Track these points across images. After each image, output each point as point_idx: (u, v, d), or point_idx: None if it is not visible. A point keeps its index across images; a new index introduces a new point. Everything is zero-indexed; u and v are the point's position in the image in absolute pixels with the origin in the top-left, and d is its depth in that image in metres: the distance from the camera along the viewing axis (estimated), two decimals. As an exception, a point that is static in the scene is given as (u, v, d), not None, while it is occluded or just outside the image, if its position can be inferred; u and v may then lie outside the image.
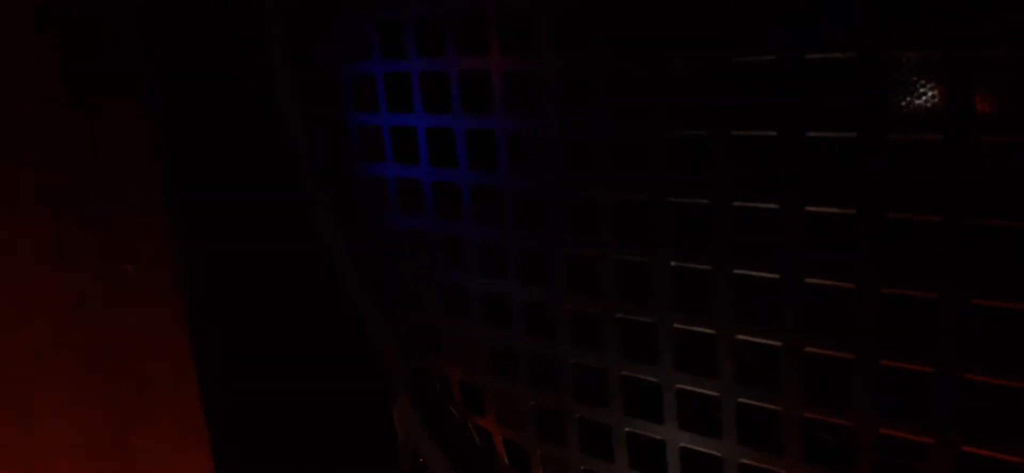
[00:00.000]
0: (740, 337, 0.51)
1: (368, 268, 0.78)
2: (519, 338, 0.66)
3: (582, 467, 0.64)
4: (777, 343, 0.49)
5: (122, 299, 0.79)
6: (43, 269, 0.77)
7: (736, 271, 0.50)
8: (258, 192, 0.84)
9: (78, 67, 0.75)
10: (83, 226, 0.78)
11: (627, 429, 0.60)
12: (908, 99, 0.46)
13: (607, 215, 0.56)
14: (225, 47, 0.80)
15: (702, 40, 0.47)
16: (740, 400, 0.52)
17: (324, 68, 0.72)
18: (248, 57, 0.77)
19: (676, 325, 0.54)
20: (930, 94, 0.46)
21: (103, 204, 0.77)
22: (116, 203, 0.78)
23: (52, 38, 0.73)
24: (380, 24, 0.66)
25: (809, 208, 0.46)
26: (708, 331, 0.52)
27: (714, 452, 0.54)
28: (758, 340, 0.50)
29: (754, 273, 0.49)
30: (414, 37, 0.63)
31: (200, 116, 0.80)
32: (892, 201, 0.43)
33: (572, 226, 0.58)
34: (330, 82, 0.72)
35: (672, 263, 0.53)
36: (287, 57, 0.73)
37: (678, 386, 0.55)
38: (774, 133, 0.46)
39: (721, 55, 0.47)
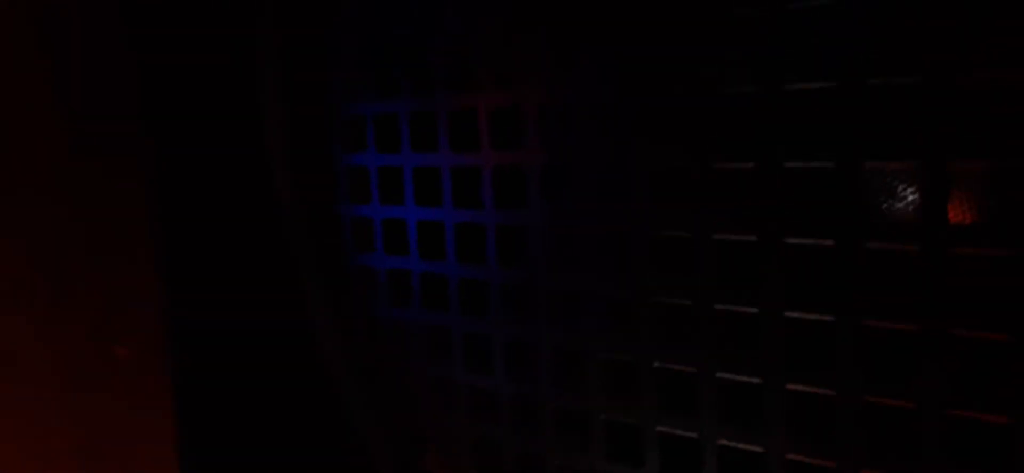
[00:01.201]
0: (722, 442, 0.50)
1: (358, 358, 0.77)
2: (503, 433, 0.65)
3: (565, 571, 0.62)
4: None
5: (111, 381, 0.78)
6: (34, 347, 0.76)
7: (719, 374, 0.49)
8: (251, 276, 0.83)
9: (78, 141, 0.75)
10: (76, 303, 0.77)
11: (611, 533, 0.58)
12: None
13: (594, 308, 0.56)
14: (222, 131, 0.80)
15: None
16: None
17: (321, 160, 0.73)
18: (246, 144, 0.78)
19: (659, 427, 0.53)
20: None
21: (97, 283, 0.77)
22: (109, 283, 0.77)
23: (54, 111, 0.73)
24: (375, 118, 0.67)
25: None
26: (692, 435, 0.52)
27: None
28: (742, 446, 0.49)
29: (737, 377, 0.49)
30: (408, 131, 0.65)
31: (197, 204, 0.80)
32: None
33: (559, 317, 0.58)
34: (327, 174, 0.73)
35: (655, 364, 0.53)
36: (287, 152, 0.74)
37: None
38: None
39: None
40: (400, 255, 0.67)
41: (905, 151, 0.41)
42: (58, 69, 0.70)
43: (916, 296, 0.41)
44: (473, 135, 0.60)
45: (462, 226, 0.62)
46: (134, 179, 0.74)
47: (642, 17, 0.49)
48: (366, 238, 0.70)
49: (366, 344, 0.75)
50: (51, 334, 0.73)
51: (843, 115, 0.42)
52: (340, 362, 0.78)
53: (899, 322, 0.42)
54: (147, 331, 0.77)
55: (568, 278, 0.57)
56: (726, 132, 0.47)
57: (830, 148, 0.43)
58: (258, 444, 0.85)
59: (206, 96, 0.74)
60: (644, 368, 0.53)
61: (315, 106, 0.72)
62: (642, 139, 0.51)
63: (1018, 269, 0.38)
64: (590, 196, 0.54)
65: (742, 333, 0.48)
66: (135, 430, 0.80)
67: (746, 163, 0.45)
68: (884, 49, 0.41)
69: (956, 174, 0.39)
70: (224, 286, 0.79)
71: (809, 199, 0.44)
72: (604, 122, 0.53)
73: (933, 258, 0.40)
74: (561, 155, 0.56)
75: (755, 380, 0.47)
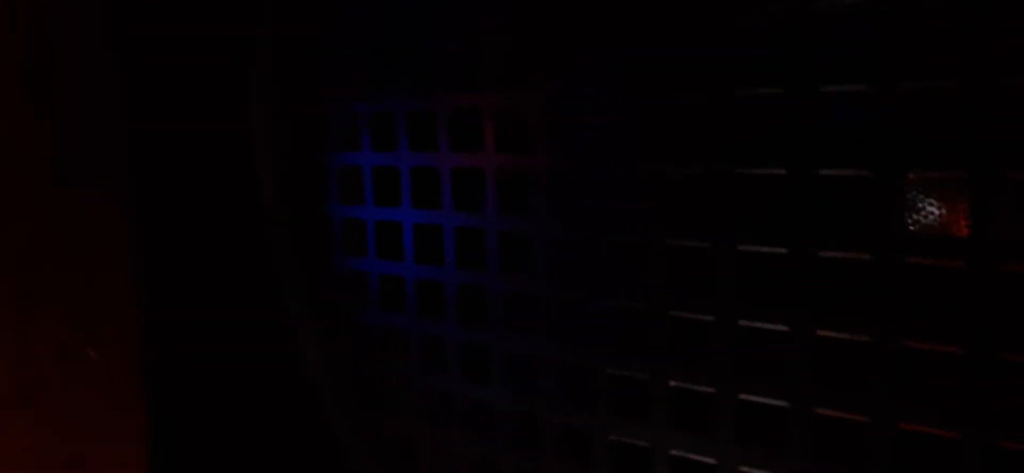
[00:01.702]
0: (742, 468, 0.47)
1: (343, 370, 0.73)
2: (500, 449, 0.61)
3: None
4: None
5: (81, 391, 0.74)
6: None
7: (741, 396, 0.46)
8: (233, 280, 0.80)
9: (55, 140, 0.71)
10: (44, 311, 0.73)
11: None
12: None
13: (601, 319, 0.52)
14: (206, 131, 0.77)
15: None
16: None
17: (309, 158, 0.69)
18: (230, 143, 0.74)
19: (673, 451, 0.50)
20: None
21: (68, 290, 0.73)
22: (82, 288, 0.73)
23: (32, 118, 0.70)
24: (371, 117, 0.64)
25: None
26: (710, 460, 0.49)
27: None
28: None
29: (762, 400, 0.46)
30: (406, 131, 0.61)
31: (178, 207, 0.76)
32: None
33: (563, 328, 0.55)
34: (314, 173, 0.69)
35: (671, 383, 0.49)
36: (271, 146, 0.71)
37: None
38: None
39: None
40: (394, 260, 0.64)
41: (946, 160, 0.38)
42: (35, 67, 0.67)
43: (961, 315, 0.38)
44: (473, 136, 0.57)
45: (462, 230, 0.59)
46: (112, 181, 0.71)
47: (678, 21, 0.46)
48: (358, 241, 0.66)
49: (353, 352, 0.72)
50: (15, 343, 0.69)
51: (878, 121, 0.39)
52: (323, 370, 0.74)
53: (942, 344, 0.39)
54: (120, 339, 0.73)
55: (575, 287, 0.53)
56: (749, 137, 0.44)
57: (866, 155, 0.40)
58: (237, 457, 0.81)
59: (189, 96, 0.71)
60: (658, 387, 0.50)
61: (308, 103, 0.69)
62: (658, 144, 0.48)
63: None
64: (601, 202, 0.51)
65: (765, 352, 0.45)
66: (106, 441, 0.76)
67: (776, 169, 0.42)
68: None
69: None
70: (205, 290, 0.76)
71: (843, 210, 0.41)
72: (616, 125, 0.50)
73: (979, 274, 0.37)
74: (568, 159, 0.52)
75: (781, 403, 0.44)
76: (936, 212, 0.42)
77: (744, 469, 0.47)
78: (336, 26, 0.65)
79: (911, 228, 0.42)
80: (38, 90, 0.67)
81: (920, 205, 0.42)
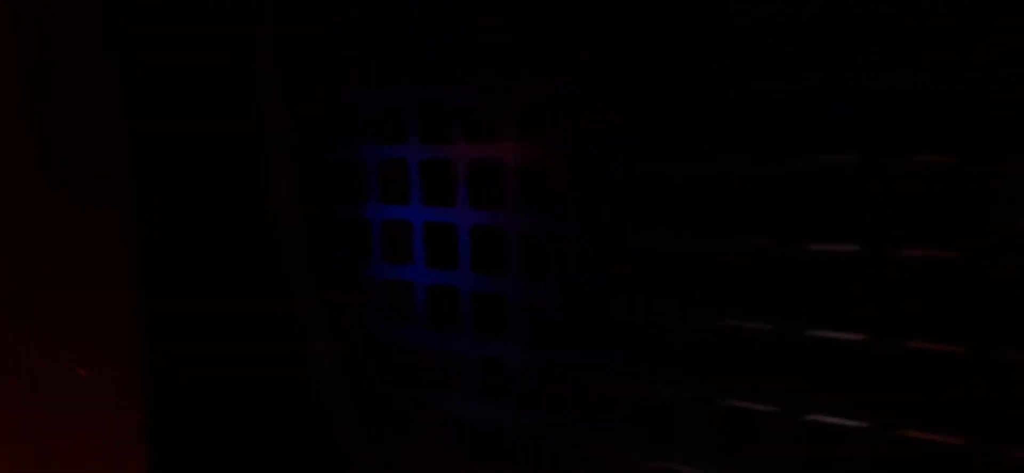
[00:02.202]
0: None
1: (361, 388, 0.68)
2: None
3: None
4: None
5: (77, 411, 0.70)
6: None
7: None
8: (234, 294, 0.75)
9: (51, 142, 0.68)
10: (44, 313, 0.69)
11: None
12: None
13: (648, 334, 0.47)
14: (212, 134, 0.73)
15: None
16: None
17: (315, 156, 0.66)
18: (227, 134, 0.70)
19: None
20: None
21: (67, 295, 0.69)
22: (81, 296, 0.70)
23: (32, 118, 0.67)
24: (420, 106, 0.58)
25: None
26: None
27: None
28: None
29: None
30: (460, 122, 0.55)
31: (175, 204, 0.72)
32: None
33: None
34: (319, 173, 0.66)
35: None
36: (273, 144, 0.67)
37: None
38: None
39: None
40: (447, 268, 0.57)
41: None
42: (35, 67, 0.66)
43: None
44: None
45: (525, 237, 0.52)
46: (112, 181, 0.70)
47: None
48: (399, 246, 0.60)
49: (376, 372, 0.66)
50: (15, 341, 0.67)
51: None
52: (337, 385, 0.69)
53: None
54: (120, 339, 0.71)
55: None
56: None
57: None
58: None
59: (189, 96, 0.70)
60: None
61: (308, 102, 0.67)
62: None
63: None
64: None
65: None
66: (105, 443, 0.72)
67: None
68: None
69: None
70: (206, 291, 0.74)
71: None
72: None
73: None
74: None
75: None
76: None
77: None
78: (336, 26, 0.64)
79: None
80: (38, 90, 0.66)
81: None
